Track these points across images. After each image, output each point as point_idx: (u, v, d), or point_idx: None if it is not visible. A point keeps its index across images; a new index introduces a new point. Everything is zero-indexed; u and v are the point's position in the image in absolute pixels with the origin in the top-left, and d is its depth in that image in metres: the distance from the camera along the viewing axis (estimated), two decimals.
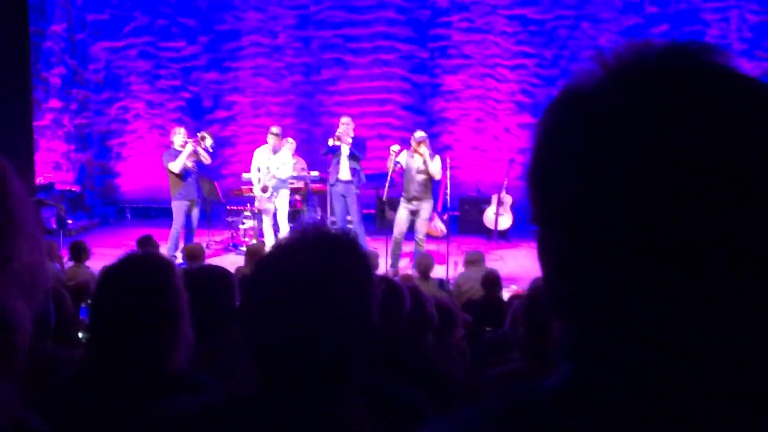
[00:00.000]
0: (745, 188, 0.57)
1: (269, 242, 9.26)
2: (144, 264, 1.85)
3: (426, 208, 9.12)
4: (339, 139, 9.42)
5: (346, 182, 9.55)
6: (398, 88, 13.44)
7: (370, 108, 13.08)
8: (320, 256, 1.25)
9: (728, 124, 0.58)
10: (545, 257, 0.69)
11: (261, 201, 9.76)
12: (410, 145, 8.99)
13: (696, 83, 0.61)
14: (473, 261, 7.47)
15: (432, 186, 9.18)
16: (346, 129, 9.46)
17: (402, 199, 9.20)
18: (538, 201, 0.68)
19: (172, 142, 9.54)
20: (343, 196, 9.62)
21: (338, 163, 9.53)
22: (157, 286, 1.80)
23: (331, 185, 9.72)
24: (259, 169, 9.74)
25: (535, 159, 0.68)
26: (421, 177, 8.95)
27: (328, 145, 9.58)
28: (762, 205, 0.58)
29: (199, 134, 9.65)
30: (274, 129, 9.75)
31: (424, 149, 8.89)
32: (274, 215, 9.84)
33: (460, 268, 8.00)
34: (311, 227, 1.31)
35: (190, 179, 9.45)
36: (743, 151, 0.58)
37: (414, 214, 9.15)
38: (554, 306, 0.69)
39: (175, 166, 9.27)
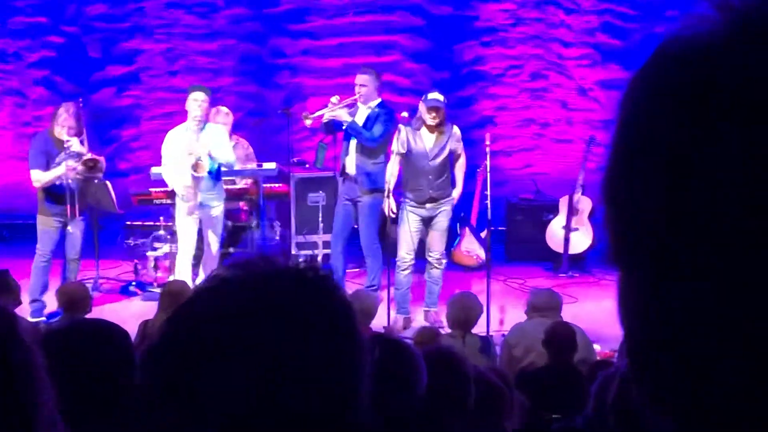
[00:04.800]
0: None
1: (184, 278, 7.90)
2: None
3: (445, 213, 8.15)
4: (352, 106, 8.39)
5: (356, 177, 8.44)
6: (405, 24, 11.22)
7: (361, 58, 10.80)
8: (273, 305, 1.11)
9: None
10: (628, 313, 0.63)
11: (190, 195, 8.11)
12: (415, 117, 7.84)
13: None
14: (541, 308, 6.46)
15: (452, 180, 8.23)
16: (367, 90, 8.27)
17: (407, 201, 8.01)
18: (619, 226, 0.62)
19: (50, 128, 8.47)
20: (352, 202, 8.51)
21: (348, 146, 8.53)
22: None
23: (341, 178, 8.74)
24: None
25: (615, 156, 0.61)
26: (436, 164, 7.94)
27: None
28: None
29: (85, 157, 8.56)
30: (198, 91, 8.44)
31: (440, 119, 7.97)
32: (200, 232, 8.33)
33: (514, 317, 7.27)
34: (260, 259, 1.17)
35: (65, 192, 8.53)
36: None
37: (427, 223, 8.11)
38: (639, 382, 0.64)
39: (38, 181, 8.47)
